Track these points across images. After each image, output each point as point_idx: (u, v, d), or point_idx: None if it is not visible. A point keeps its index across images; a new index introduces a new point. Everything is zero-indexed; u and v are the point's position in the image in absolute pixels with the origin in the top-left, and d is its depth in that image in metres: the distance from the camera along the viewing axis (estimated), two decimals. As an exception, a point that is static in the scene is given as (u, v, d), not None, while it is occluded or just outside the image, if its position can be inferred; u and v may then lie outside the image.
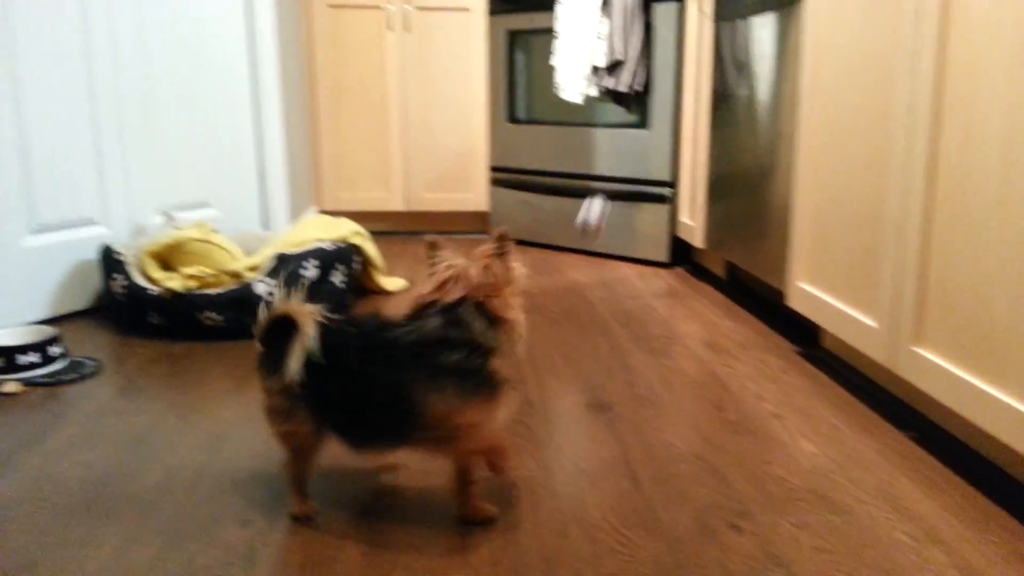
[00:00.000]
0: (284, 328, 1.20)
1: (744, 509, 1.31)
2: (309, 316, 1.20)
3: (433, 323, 1.17)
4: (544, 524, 1.27)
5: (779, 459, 1.50)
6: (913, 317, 1.53)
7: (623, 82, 3.04)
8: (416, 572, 1.14)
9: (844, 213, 1.82)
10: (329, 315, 1.22)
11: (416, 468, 1.44)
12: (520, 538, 1.23)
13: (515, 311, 1.22)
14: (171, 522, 1.27)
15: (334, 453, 1.29)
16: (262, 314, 1.25)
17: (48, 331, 1.94)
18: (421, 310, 1.21)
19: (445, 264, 1.21)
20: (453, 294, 1.18)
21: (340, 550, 1.20)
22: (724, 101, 2.61)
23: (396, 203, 3.66)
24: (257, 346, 1.26)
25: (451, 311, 1.18)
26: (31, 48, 2.16)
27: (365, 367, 1.17)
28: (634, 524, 1.27)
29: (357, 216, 3.63)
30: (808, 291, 1.99)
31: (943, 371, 1.43)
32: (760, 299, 2.56)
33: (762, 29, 2.30)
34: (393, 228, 3.75)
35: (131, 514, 1.29)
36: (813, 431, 1.62)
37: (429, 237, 1.24)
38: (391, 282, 2.71)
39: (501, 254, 1.21)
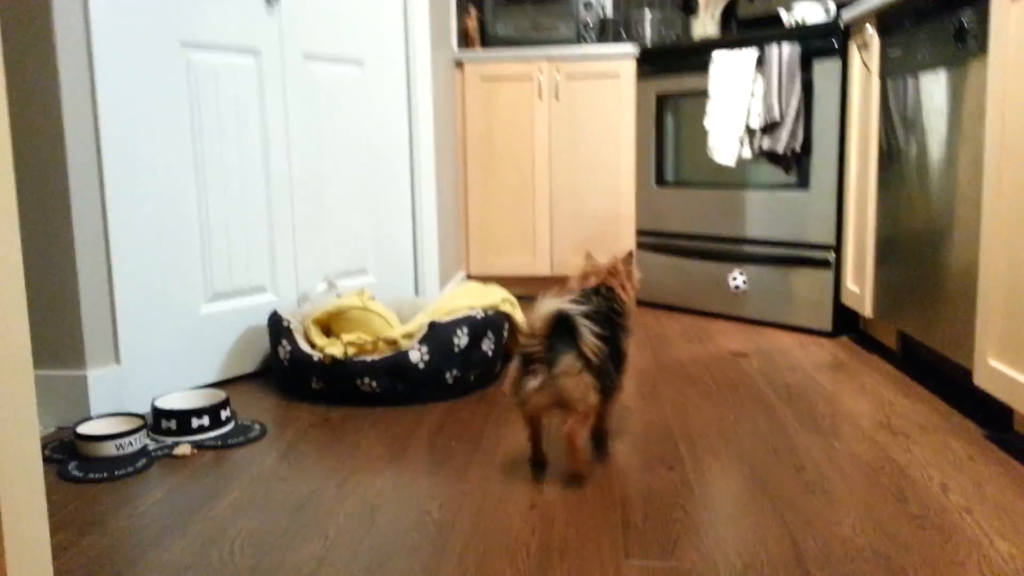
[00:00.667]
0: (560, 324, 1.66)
1: (937, 620, 1.18)
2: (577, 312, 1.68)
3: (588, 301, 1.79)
4: (709, 623, 1.18)
5: (972, 561, 1.34)
6: None
7: (781, 143, 2.94)
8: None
9: (1040, 285, 1.65)
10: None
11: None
12: (683, 638, 1.15)
13: (630, 297, 1.90)
14: (329, 596, 1.28)
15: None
16: (538, 315, 1.66)
17: (219, 395, 2.04)
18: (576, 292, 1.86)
19: (588, 263, 1.93)
20: (590, 283, 1.89)
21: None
22: (893, 161, 2.47)
23: (542, 267, 3.68)
24: (530, 344, 1.65)
25: (588, 293, 1.86)
26: (214, 131, 2.33)
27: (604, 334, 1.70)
28: (809, 630, 1.16)
29: (503, 280, 3.68)
30: (999, 369, 1.81)
31: None
32: (940, 375, 2.36)
33: (935, 84, 2.16)
34: (539, 291, 3.77)
35: (291, 585, 1.31)
36: (1011, 528, 1.45)
37: (587, 250, 2.02)
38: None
39: (627, 262, 1.92)
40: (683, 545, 1.42)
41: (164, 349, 2.23)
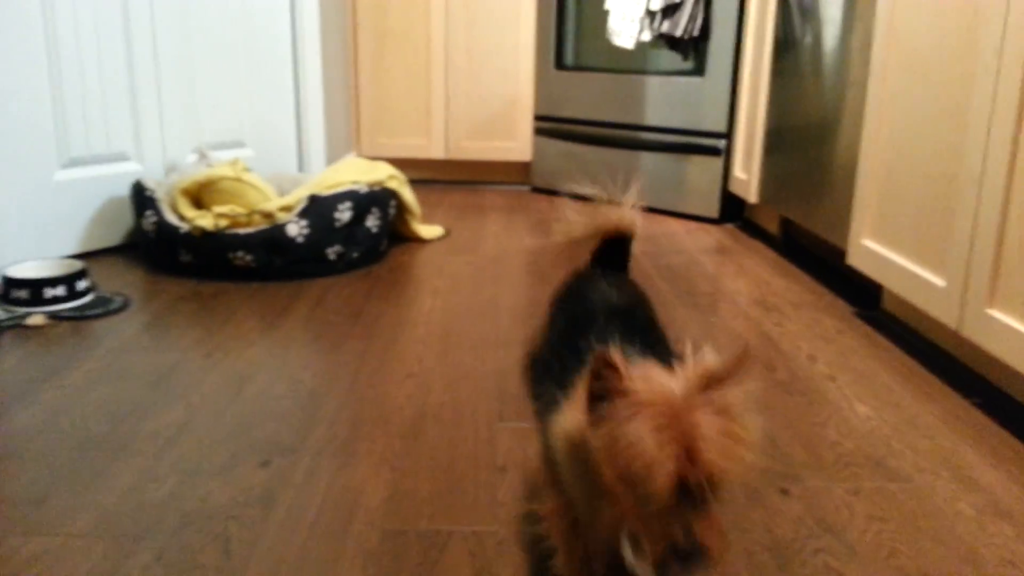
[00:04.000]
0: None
1: (793, 473, 1.22)
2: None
3: None
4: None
5: (832, 422, 1.39)
6: (987, 276, 1.40)
7: (679, 27, 2.89)
8: (440, 521, 1.07)
9: (917, 165, 1.68)
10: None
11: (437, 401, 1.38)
12: (550, 492, 1.15)
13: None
14: (189, 460, 1.22)
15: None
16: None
17: (75, 265, 1.90)
18: None
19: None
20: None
21: (361, 494, 1.13)
22: (788, 49, 2.46)
23: (436, 151, 3.57)
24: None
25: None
26: (65, -26, 2.09)
27: None
28: (673, 483, 1.18)
29: (396, 163, 3.55)
30: (872, 248, 1.86)
31: (1016, 333, 1.31)
32: (817, 258, 2.43)
33: (831, -34, 2.14)
34: (433, 177, 3.67)
35: (148, 450, 1.24)
36: (870, 394, 1.51)
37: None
38: (427, 230, 2.63)
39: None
40: (557, 409, 1.42)
41: (16, 217, 2.04)
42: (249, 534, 1.04)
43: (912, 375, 1.60)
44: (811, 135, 2.26)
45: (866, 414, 1.43)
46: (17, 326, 1.72)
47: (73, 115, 2.16)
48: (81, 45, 2.16)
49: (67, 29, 2.12)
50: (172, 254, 2.13)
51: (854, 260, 1.95)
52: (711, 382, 0.70)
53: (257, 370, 1.55)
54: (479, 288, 2.11)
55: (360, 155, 3.54)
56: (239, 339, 1.71)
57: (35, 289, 1.79)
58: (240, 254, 2.09)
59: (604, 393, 0.70)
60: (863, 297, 2.06)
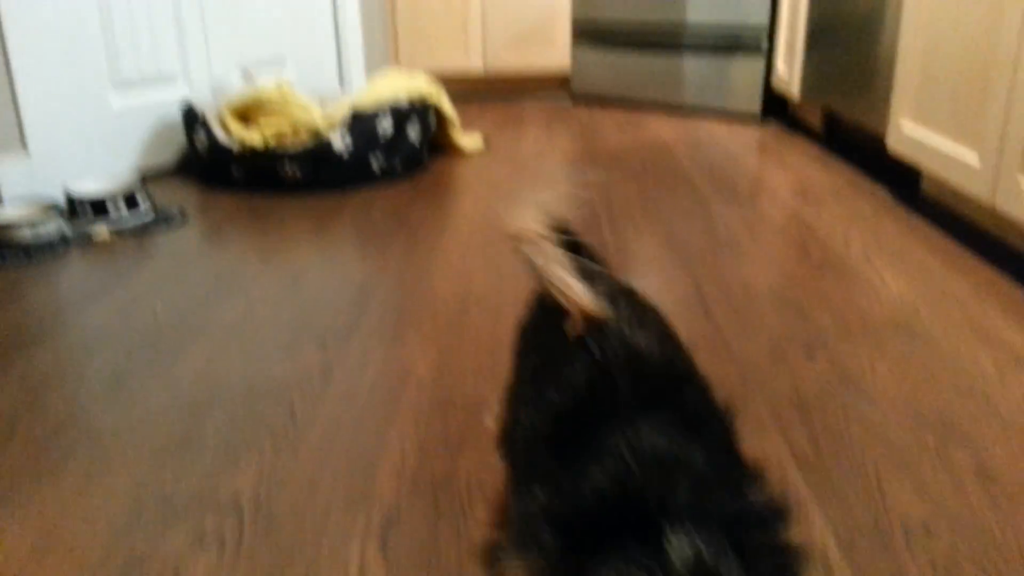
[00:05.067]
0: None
1: (821, 339, 1.27)
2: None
3: None
4: (612, 350, 1.26)
5: (863, 295, 1.43)
6: (1020, 147, 1.40)
7: (713, -79, 2.82)
8: (483, 390, 1.15)
9: (953, 48, 1.66)
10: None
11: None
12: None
13: None
14: (253, 343, 1.32)
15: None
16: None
17: (135, 181, 2.00)
18: None
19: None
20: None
21: (410, 369, 1.22)
22: (824, -67, 2.40)
23: (475, 64, 3.58)
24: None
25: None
26: (103, -100, 2.14)
27: None
28: (703, 350, 1.24)
29: (434, 77, 3.57)
30: (909, 131, 1.85)
31: (1051, 199, 1.32)
32: (859, 150, 2.42)
33: None
34: (472, 90, 3.68)
35: (216, 336, 1.35)
36: (903, 271, 1.54)
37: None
38: (467, 140, 2.68)
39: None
40: (594, 291, 1.48)
41: (73, 139, 2.15)
42: (311, 402, 1.14)
43: (946, 252, 1.62)
44: (853, 26, 2.23)
45: (897, 287, 1.46)
46: (85, 241, 1.84)
47: (122, 38, 2.24)
48: (124, -30, 2.22)
49: (110, -45, 2.18)
50: (224, 171, 2.23)
51: (894, 145, 1.94)
52: None
53: (310, 269, 1.65)
54: (517, 189, 2.16)
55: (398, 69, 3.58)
56: (291, 243, 1.80)
57: (98, 205, 1.90)
58: (288, 169, 2.17)
59: None
60: (902, 185, 2.06)
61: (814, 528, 0.86)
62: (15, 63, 1.97)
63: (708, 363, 1.21)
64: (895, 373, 1.15)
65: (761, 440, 1.00)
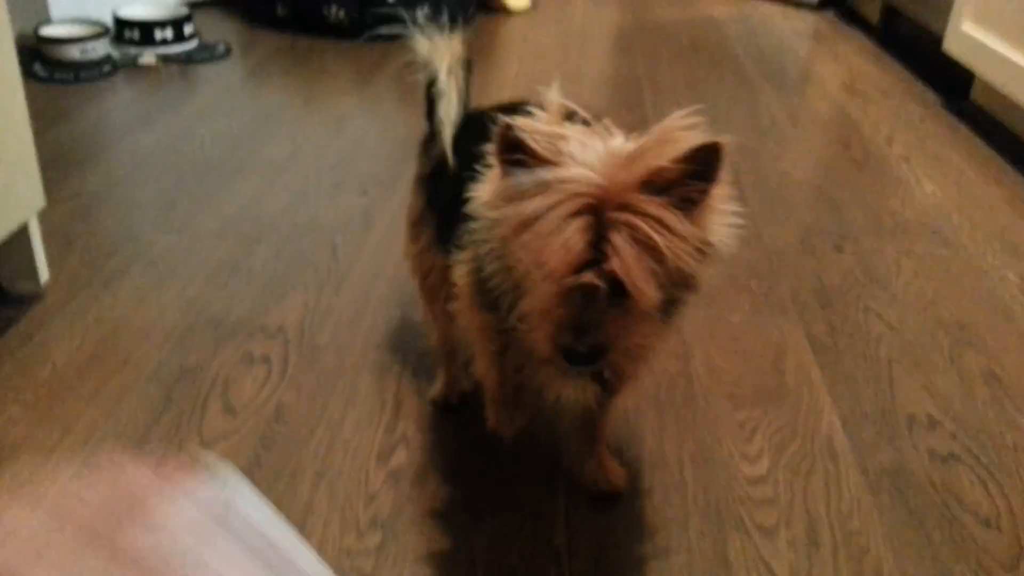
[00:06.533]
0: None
1: (851, 234, 1.29)
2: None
3: None
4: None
5: (897, 195, 1.44)
6: (1086, 58, 1.37)
7: None
8: (517, 249, 1.20)
9: (1034, -61, 1.59)
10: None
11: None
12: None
13: None
14: (298, 184, 1.36)
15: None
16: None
17: (182, 9, 1.99)
18: None
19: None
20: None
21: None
22: None
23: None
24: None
25: None
26: None
27: None
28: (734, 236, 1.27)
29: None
30: (970, 33, 1.80)
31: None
32: (914, 49, 2.35)
33: None
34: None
35: (262, 173, 1.38)
36: (940, 175, 1.54)
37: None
38: (514, 0, 2.61)
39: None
40: (632, 166, 1.50)
41: (121, -39, 2.11)
42: (353, 243, 1.19)
43: (987, 161, 1.61)
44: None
45: (932, 191, 1.47)
46: (131, 65, 1.85)
47: None
48: None
49: None
50: (269, 7, 2.19)
51: (951, 46, 1.89)
52: (656, 169, 0.58)
53: (353, 117, 1.66)
54: (565, 58, 2.13)
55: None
56: (335, 90, 1.81)
57: (146, 30, 1.89)
58: (334, 10, 2.13)
59: (520, 161, 0.59)
60: (954, 89, 2.01)
61: (822, 411, 0.92)
62: None
63: (737, 248, 1.24)
64: (919, 274, 1.19)
65: (779, 323, 1.05)
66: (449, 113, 0.83)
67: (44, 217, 1.03)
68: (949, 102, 1.95)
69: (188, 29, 1.95)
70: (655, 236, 0.57)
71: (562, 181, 0.57)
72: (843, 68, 2.19)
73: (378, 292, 1.09)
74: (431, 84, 0.86)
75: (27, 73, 1.75)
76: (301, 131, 1.57)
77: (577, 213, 0.56)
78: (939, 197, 1.44)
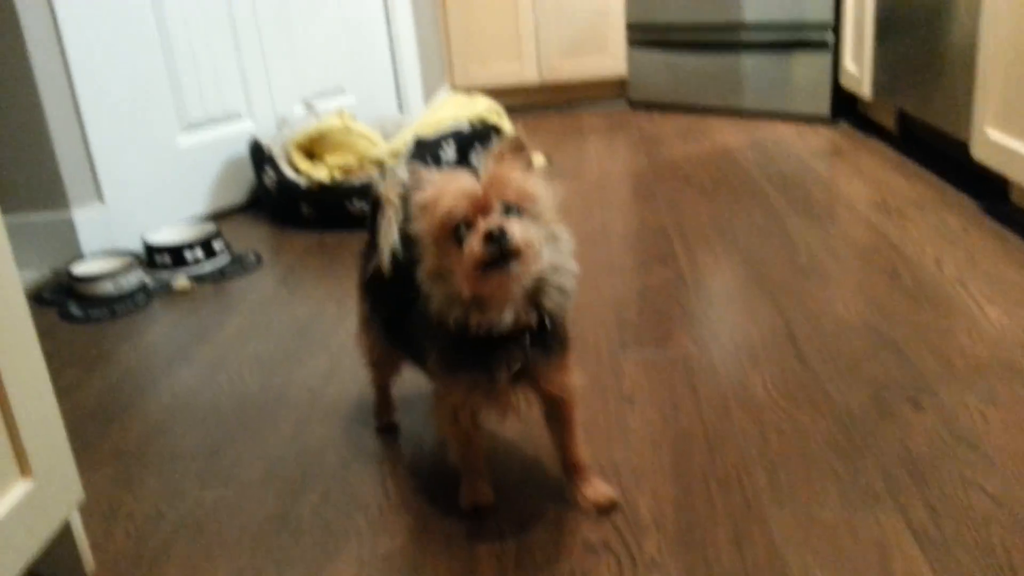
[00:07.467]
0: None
1: (925, 384, 1.21)
2: (394, 202, 1.05)
3: None
4: (705, 404, 1.22)
5: (963, 329, 1.36)
6: None
7: (773, -84, 2.73)
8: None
9: (1045, 45, 1.57)
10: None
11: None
12: (681, 419, 1.19)
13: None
14: (338, 408, 1.32)
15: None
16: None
17: (209, 227, 2.03)
18: None
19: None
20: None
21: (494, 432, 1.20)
22: (893, -74, 2.29)
23: (530, 74, 3.54)
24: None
25: None
26: (163, -54, 2.16)
27: None
28: (802, 402, 1.20)
29: (490, 92, 3.54)
30: (997, 139, 1.76)
31: None
32: (938, 153, 2.31)
33: None
34: (528, 102, 3.65)
35: (302, 400, 1.35)
36: (1002, 297, 1.46)
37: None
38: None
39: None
40: (677, 334, 1.45)
41: (146, 184, 2.18)
42: (403, 480, 1.13)
43: (1049, 272, 1.54)
44: (925, 18, 2.13)
45: (998, 318, 1.39)
46: (165, 291, 1.87)
47: (187, 81, 2.26)
48: (186, 14, 2.24)
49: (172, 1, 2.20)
50: (294, 208, 2.24)
51: (978, 153, 1.85)
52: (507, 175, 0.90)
53: (386, 316, 1.64)
54: (587, 215, 2.13)
55: (454, 86, 3.56)
56: (365, 286, 1.80)
57: (176, 253, 1.92)
58: (356, 203, 2.17)
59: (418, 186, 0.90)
60: (989, 191, 1.96)
61: (943, 619, 0.82)
62: (86, 117, 2.01)
63: (808, 416, 1.16)
64: (1009, 424, 1.09)
65: (876, 513, 0.96)
66: (389, 234, 1.04)
67: (85, 486, 0.99)
68: (987, 207, 1.89)
69: (217, 245, 1.98)
70: (515, 175, 0.90)
71: (448, 183, 0.89)
72: (869, 184, 2.16)
73: (435, 534, 1.02)
74: (375, 206, 1.07)
75: (63, 315, 1.77)
76: (336, 341, 1.55)
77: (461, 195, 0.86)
78: (1008, 325, 1.36)
